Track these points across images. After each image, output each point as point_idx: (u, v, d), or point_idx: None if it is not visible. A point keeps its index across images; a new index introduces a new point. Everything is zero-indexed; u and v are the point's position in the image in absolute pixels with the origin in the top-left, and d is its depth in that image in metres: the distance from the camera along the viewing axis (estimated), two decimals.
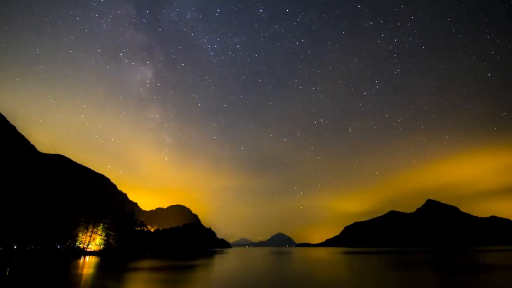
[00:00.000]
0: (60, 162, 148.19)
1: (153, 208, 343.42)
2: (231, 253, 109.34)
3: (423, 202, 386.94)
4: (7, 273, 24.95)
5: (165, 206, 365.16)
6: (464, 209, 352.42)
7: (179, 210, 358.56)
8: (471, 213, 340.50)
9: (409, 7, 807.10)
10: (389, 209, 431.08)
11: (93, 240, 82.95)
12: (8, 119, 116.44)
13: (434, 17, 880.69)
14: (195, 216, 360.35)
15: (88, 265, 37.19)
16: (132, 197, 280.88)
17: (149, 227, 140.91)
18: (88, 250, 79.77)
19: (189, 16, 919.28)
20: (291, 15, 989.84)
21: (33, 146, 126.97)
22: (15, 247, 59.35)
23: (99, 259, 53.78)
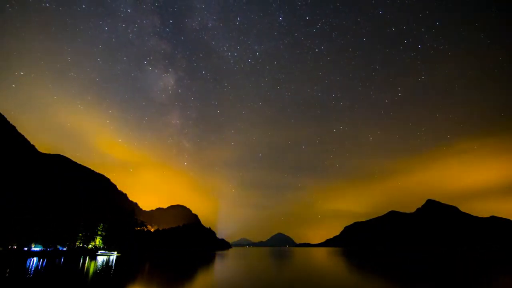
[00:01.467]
0: (60, 162, 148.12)
1: (153, 208, 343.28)
2: (231, 256, 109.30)
3: (423, 202, 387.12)
4: (7, 274, 24.96)
5: (165, 206, 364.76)
6: (464, 209, 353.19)
7: (179, 210, 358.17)
8: (471, 213, 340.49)
9: (434, 12, 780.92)
10: (389, 209, 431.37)
11: (93, 240, 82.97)
12: (9, 119, 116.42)
13: (460, 23, 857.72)
14: (195, 216, 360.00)
15: (87, 265, 37.20)
16: (132, 197, 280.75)
17: (149, 227, 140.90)
18: (88, 249, 79.76)
19: (210, 25, 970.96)
20: (311, 23, 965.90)
21: (33, 146, 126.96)
22: (15, 247, 59.34)
23: (98, 259, 53.77)
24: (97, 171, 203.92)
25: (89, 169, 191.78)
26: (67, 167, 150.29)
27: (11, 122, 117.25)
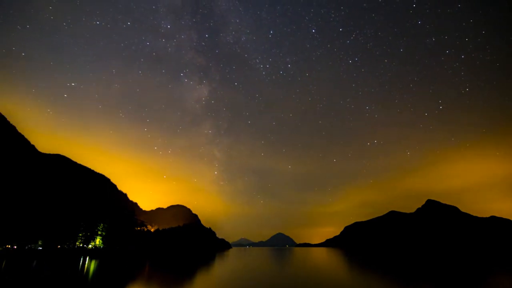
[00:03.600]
0: (60, 162, 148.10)
1: (153, 208, 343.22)
2: (231, 256, 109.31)
3: (423, 202, 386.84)
4: (7, 274, 24.97)
5: (165, 206, 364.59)
6: (464, 209, 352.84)
7: (179, 210, 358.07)
8: (471, 213, 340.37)
9: (479, 21, 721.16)
10: (389, 209, 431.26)
11: (93, 240, 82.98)
12: (10, 120, 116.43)
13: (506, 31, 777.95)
14: (195, 216, 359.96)
15: (87, 265, 37.21)
16: (132, 197, 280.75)
17: (149, 227, 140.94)
18: (88, 249, 79.77)
19: (244, 38, 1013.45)
20: (345, 34, 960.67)
21: (33, 146, 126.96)
22: (16, 247, 59.35)
23: (98, 259, 53.79)
24: (97, 171, 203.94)
25: (89, 169, 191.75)
26: (67, 167, 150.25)
27: (11, 122, 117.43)
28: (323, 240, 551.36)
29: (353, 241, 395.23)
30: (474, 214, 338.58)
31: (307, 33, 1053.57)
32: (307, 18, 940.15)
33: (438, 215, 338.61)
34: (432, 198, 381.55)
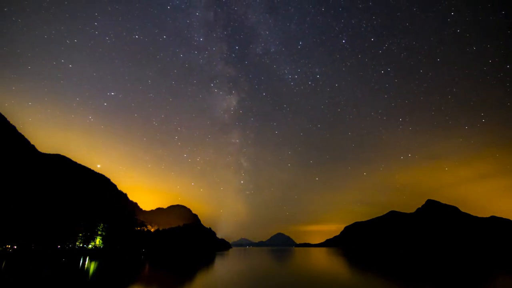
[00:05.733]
0: (60, 162, 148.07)
1: (153, 208, 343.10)
2: (231, 256, 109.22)
3: (423, 202, 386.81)
4: (6, 274, 24.96)
5: (165, 206, 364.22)
6: (464, 209, 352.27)
7: (179, 210, 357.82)
8: (471, 213, 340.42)
9: None
10: (389, 209, 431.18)
11: (93, 240, 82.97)
12: (9, 120, 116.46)
13: None
14: (195, 216, 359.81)
15: (87, 265, 37.19)
16: (132, 197, 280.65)
17: (149, 227, 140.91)
18: (88, 249, 79.76)
19: (273, 49, 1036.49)
20: (377, 44, 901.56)
21: (33, 146, 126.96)
22: (16, 247, 59.34)
23: (98, 259, 53.76)
24: (97, 171, 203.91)
25: (89, 169, 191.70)
26: (67, 167, 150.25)
27: (11, 122, 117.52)
28: (323, 240, 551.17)
29: (353, 241, 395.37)
30: (474, 214, 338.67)
31: (337, 44, 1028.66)
32: (337, 28, 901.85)
33: (438, 215, 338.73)
34: (432, 198, 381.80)
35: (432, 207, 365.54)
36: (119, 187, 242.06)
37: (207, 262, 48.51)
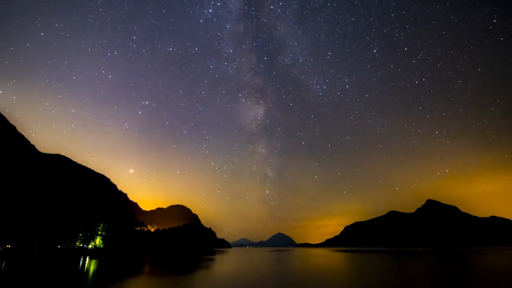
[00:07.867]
0: (60, 162, 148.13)
1: (153, 208, 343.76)
2: (231, 256, 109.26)
3: (423, 202, 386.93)
4: (6, 274, 24.97)
5: (165, 206, 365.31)
6: (464, 209, 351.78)
7: (179, 210, 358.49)
8: (471, 213, 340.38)
9: None
10: (389, 209, 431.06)
11: (93, 240, 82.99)
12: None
13: None
14: (195, 216, 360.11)
15: (87, 265, 37.21)
16: (132, 197, 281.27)
17: (149, 227, 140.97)
18: (88, 249, 79.75)
19: (301, 60, 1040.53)
20: (410, 54, 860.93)
21: (33, 146, 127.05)
22: (15, 247, 59.34)
23: (98, 259, 53.76)
24: (97, 171, 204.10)
25: (89, 169, 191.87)
26: (67, 167, 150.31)
27: (11, 122, 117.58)
28: (323, 240, 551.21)
29: (353, 241, 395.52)
30: (474, 214, 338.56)
31: (368, 53, 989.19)
32: (368, 38, 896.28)
33: (438, 215, 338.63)
34: (432, 198, 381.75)
35: (432, 207, 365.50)
36: (119, 187, 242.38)
37: (206, 262, 48.52)
